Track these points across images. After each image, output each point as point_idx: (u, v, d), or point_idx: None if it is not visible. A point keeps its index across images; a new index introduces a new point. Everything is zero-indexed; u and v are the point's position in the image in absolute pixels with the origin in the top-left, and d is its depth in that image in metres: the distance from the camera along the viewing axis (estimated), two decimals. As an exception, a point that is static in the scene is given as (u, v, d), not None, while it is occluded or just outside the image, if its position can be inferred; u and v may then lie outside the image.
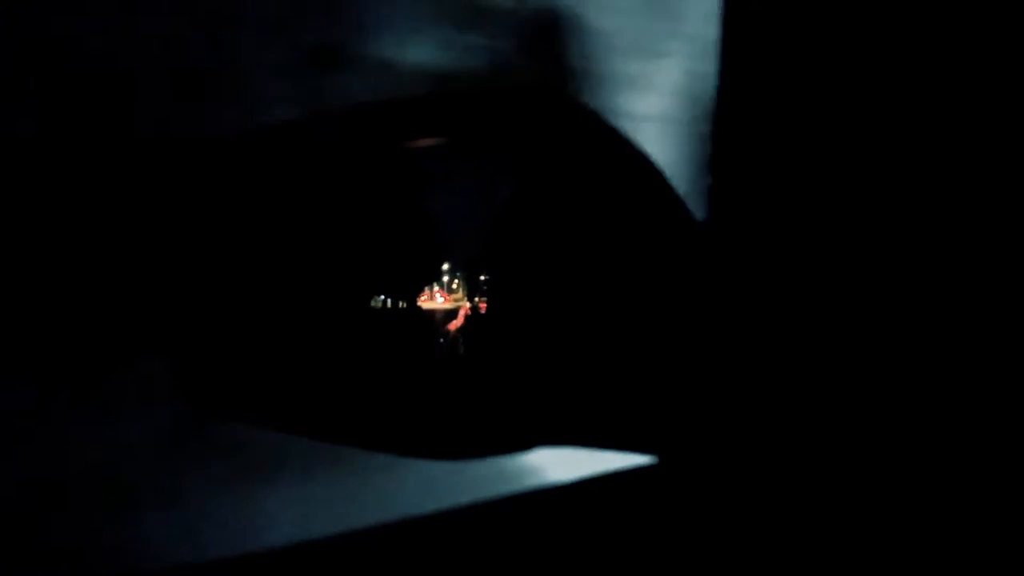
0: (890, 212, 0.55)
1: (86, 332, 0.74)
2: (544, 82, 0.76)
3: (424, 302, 0.59)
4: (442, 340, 0.59)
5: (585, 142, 0.60)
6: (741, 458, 0.62)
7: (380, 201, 0.64)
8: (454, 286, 0.58)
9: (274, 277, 0.68)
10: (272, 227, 0.67)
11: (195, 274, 0.71)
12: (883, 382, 0.57)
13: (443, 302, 0.59)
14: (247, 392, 0.69)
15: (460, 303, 0.59)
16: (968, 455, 0.55)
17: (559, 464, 0.82)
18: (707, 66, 0.84)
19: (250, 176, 0.70)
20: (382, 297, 0.61)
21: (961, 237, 0.53)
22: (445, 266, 0.59)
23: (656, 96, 0.89)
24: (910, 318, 0.56)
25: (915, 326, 0.55)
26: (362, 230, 0.64)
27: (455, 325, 0.59)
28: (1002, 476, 0.54)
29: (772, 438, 0.61)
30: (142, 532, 0.77)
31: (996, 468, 0.54)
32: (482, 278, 0.59)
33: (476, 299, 0.59)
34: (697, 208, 0.64)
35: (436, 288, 0.58)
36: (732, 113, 0.64)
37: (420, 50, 0.85)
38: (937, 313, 0.55)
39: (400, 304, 0.60)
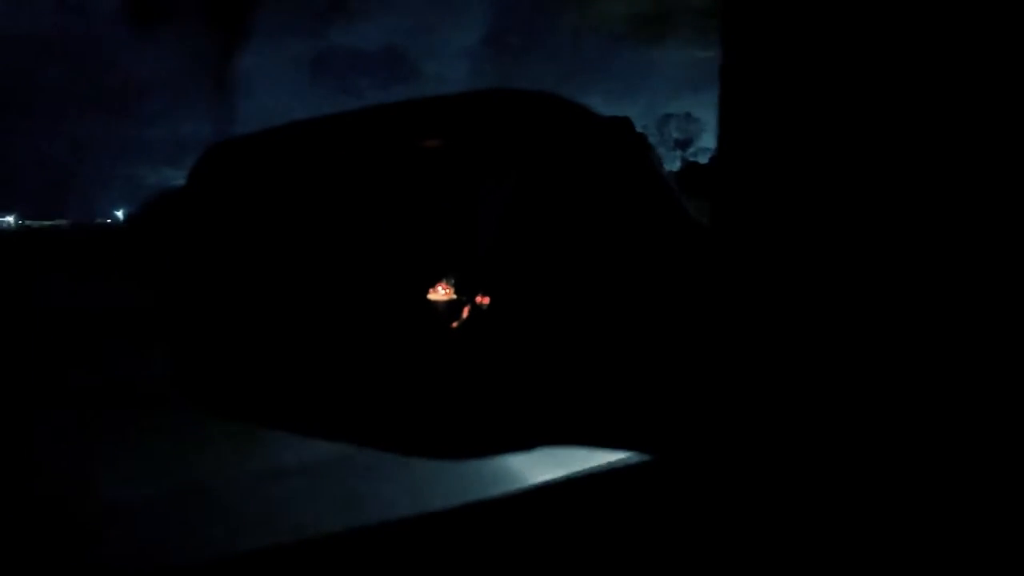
0: (895, 212, 0.56)
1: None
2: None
3: (430, 296, 0.59)
4: (444, 337, 0.60)
5: (586, 143, 0.61)
6: (741, 457, 0.62)
7: (386, 200, 0.65)
8: (456, 283, 0.58)
9: (277, 274, 0.69)
10: (279, 224, 0.68)
11: (198, 270, 0.72)
12: (885, 381, 0.57)
13: (444, 295, 0.59)
14: (248, 389, 0.69)
15: (463, 299, 0.59)
16: (970, 455, 0.55)
17: (557, 462, 0.82)
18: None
19: (257, 173, 0.71)
20: (386, 293, 0.61)
21: (965, 237, 0.53)
22: (449, 263, 0.59)
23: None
24: (913, 317, 0.56)
25: (918, 325, 0.55)
26: (367, 227, 0.64)
27: (457, 322, 0.59)
28: (1003, 477, 0.54)
29: (772, 437, 0.61)
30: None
31: (998, 469, 0.54)
32: (485, 275, 0.59)
33: (478, 296, 0.59)
34: (698, 207, 0.64)
35: (439, 284, 0.59)
36: (735, 112, 0.64)
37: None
38: (941, 313, 0.55)
39: (405, 300, 0.60)
